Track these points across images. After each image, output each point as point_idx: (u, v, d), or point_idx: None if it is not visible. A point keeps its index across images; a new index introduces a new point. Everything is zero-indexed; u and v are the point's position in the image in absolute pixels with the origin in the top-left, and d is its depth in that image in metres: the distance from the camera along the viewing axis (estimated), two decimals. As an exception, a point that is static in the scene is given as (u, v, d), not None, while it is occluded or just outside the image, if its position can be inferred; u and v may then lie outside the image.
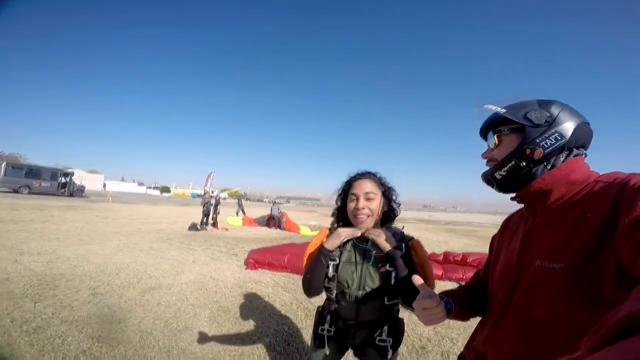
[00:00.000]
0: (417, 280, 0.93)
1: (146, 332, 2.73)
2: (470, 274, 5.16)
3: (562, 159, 0.78)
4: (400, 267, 1.20)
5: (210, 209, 11.98)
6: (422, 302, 0.86)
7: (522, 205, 0.90)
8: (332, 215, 1.47)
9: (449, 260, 6.05)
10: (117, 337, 2.61)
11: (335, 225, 1.43)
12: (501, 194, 0.89)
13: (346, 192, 1.38)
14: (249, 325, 3.07)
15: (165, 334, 2.73)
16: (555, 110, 0.78)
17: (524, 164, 0.78)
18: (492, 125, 0.89)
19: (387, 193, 1.38)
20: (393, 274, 1.23)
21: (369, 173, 1.39)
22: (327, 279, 1.34)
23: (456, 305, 0.94)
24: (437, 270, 5.33)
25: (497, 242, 1.00)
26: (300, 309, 3.53)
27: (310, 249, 1.38)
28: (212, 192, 14.04)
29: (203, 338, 2.71)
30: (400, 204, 1.43)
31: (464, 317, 1.00)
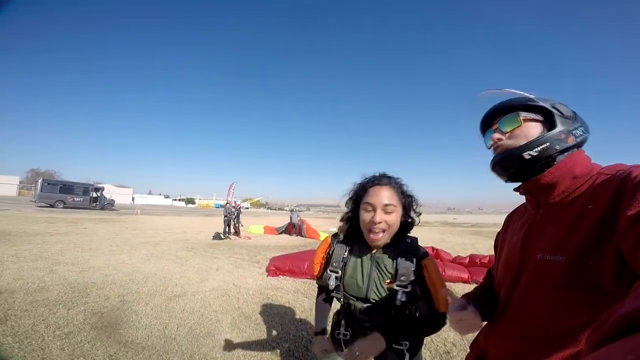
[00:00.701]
0: (447, 292, 0.93)
1: (170, 338, 2.80)
2: None
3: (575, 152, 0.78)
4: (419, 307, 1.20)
5: (231, 218, 12.25)
6: (458, 314, 0.84)
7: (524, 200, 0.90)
8: (342, 220, 1.35)
9: (475, 263, 5.89)
10: (143, 342, 2.69)
11: (342, 236, 1.34)
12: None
13: (359, 198, 1.26)
14: (269, 331, 3.09)
15: (188, 340, 2.79)
16: (562, 106, 0.80)
17: (558, 147, 0.75)
18: (520, 108, 0.82)
19: (407, 204, 1.25)
20: (399, 294, 1.15)
21: (388, 178, 1.24)
22: (329, 290, 1.32)
23: (481, 308, 0.90)
24: (463, 274, 5.22)
25: (501, 238, 0.99)
26: (319, 314, 3.52)
27: (317, 259, 1.37)
28: (234, 202, 14.38)
29: (224, 344, 2.75)
30: (420, 214, 1.31)
31: (487, 318, 0.95)
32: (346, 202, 1.34)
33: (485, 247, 10.31)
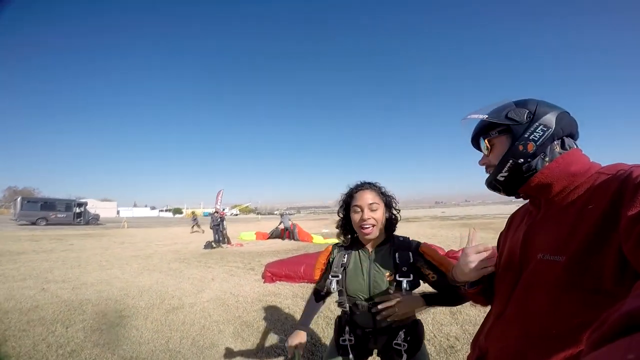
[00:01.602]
0: (473, 235, 0.98)
1: (175, 351, 2.81)
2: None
3: (557, 150, 0.79)
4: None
5: (218, 225, 12.06)
6: (477, 246, 0.90)
7: (526, 202, 0.92)
8: (337, 227, 1.49)
9: None
10: (148, 357, 2.69)
11: (342, 238, 1.47)
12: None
13: (348, 204, 1.41)
14: (273, 338, 3.12)
15: (193, 352, 2.80)
16: (532, 106, 0.82)
17: (522, 160, 0.79)
18: (481, 133, 0.91)
19: (388, 202, 1.42)
20: (404, 283, 1.25)
21: (369, 184, 1.43)
22: (329, 293, 1.43)
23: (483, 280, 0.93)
24: None
25: (503, 238, 1.00)
26: (321, 318, 3.56)
27: (318, 266, 1.47)
28: (222, 209, 14.23)
29: (230, 354, 2.77)
30: (400, 210, 1.47)
31: (485, 299, 0.98)
32: (338, 211, 1.47)
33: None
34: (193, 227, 20.07)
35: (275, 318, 3.66)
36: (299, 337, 1.38)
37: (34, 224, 23.36)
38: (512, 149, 0.81)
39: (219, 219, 12.13)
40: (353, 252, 1.41)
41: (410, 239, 1.41)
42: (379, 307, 1.25)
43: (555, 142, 0.79)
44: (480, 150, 0.95)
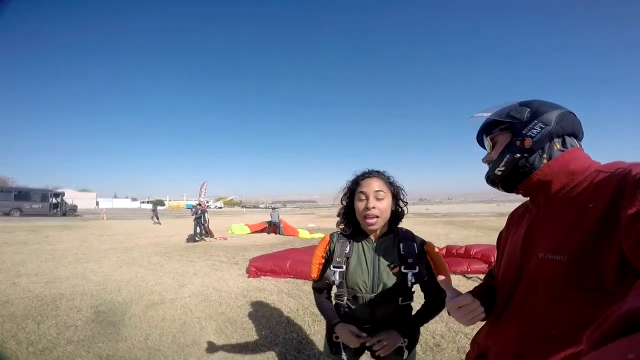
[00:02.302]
0: (442, 280, 0.92)
1: (154, 349, 2.69)
2: (475, 266, 5.23)
3: (556, 148, 0.79)
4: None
5: (200, 218, 11.70)
6: (456, 300, 0.83)
7: (526, 199, 0.92)
8: (338, 215, 1.40)
9: (452, 254, 6.09)
10: (125, 355, 2.57)
11: (342, 226, 1.39)
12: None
13: (353, 192, 1.34)
14: (258, 335, 3.04)
15: (173, 350, 2.69)
16: (534, 105, 0.84)
17: (518, 155, 0.81)
18: (484, 131, 0.95)
19: (396, 193, 1.35)
20: (409, 276, 1.22)
21: (377, 172, 1.35)
22: (330, 286, 1.37)
23: (482, 304, 0.90)
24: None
25: (503, 237, 1.00)
26: (307, 315, 3.50)
27: (316, 260, 1.38)
28: (206, 201, 13.90)
29: (212, 351, 2.67)
30: (407, 203, 1.40)
31: (487, 316, 0.96)
32: (341, 199, 1.39)
33: (459, 237, 10.69)
34: (152, 218, 19.98)
35: (260, 314, 3.57)
36: (349, 328, 1.24)
37: (7, 214, 22.36)
38: (510, 143, 0.83)
39: (199, 212, 11.78)
40: (355, 242, 1.33)
41: (414, 233, 1.38)
42: (370, 344, 1.20)
43: (555, 140, 0.79)
44: (485, 149, 0.98)
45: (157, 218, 19.80)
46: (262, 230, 13.71)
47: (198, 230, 11.35)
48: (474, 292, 1.00)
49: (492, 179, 0.89)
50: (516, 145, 0.81)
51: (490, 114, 0.91)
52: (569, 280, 0.65)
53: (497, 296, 0.89)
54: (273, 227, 13.58)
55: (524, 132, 0.81)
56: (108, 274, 5.45)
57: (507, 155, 0.83)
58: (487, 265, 5.17)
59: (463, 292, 0.88)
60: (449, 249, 6.42)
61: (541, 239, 0.75)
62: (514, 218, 0.98)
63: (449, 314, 0.92)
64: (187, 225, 15.62)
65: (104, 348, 2.66)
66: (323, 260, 1.38)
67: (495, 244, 1.07)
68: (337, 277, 1.28)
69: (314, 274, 1.39)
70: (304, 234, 12.75)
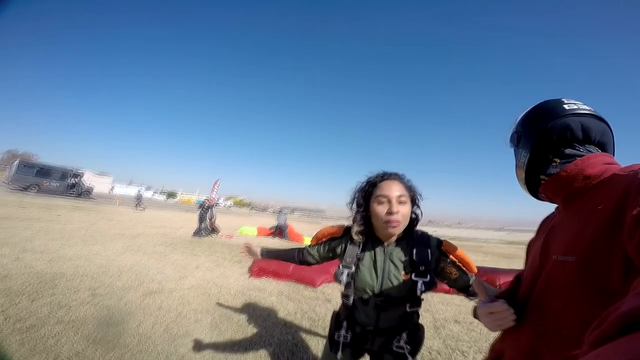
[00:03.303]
0: (476, 283, 0.95)
1: (144, 336, 2.60)
2: None
3: (557, 162, 0.80)
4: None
5: (204, 214, 11.59)
6: (489, 306, 0.82)
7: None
8: (354, 221, 1.31)
9: None
10: (114, 340, 2.49)
11: (357, 229, 1.29)
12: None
13: (369, 194, 1.27)
14: (252, 333, 2.92)
15: (164, 339, 2.59)
16: (519, 124, 0.89)
17: (521, 183, 0.91)
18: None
19: (414, 198, 1.30)
20: (419, 284, 1.17)
21: (397, 174, 1.29)
22: (343, 286, 1.32)
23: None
24: (444, 285, 5.11)
25: (533, 244, 0.97)
26: (305, 319, 3.38)
27: (321, 235, 1.44)
28: (217, 198, 13.92)
29: (204, 345, 2.57)
30: (420, 209, 1.35)
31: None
32: (353, 201, 1.34)
33: (478, 262, 10.42)
34: (136, 206, 20.39)
35: (257, 314, 3.45)
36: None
37: (25, 189, 22.76)
38: (515, 172, 0.93)
39: (206, 207, 11.67)
40: (367, 245, 1.29)
41: (430, 234, 1.31)
42: None
43: (552, 156, 0.82)
44: None
45: (140, 205, 20.20)
46: (268, 235, 13.66)
47: (203, 225, 11.27)
48: (505, 295, 0.98)
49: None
50: (518, 174, 0.91)
51: (510, 133, 0.95)
52: (577, 281, 0.65)
53: (517, 300, 0.87)
54: (278, 231, 13.50)
55: (517, 161, 0.90)
56: (112, 258, 5.45)
57: (518, 181, 0.92)
58: (492, 289, 5.03)
59: (491, 301, 0.85)
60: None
61: (557, 241, 0.76)
62: (543, 224, 0.95)
63: (475, 317, 0.92)
64: (195, 220, 15.79)
65: (94, 331, 2.58)
66: (325, 240, 1.42)
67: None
68: (344, 278, 1.25)
69: (312, 243, 1.46)
70: (309, 241, 12.58)
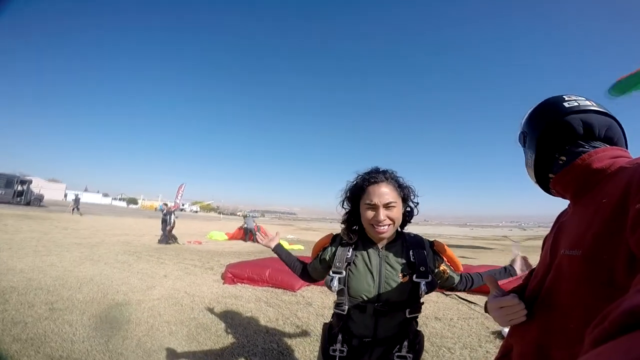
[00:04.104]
0: (488, 278, 0.91)
1: (115, 352, 2.39)
2: None
3: (562, 160, 0.81)
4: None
5: (166, 220, 10.84)
6: (500, 300, 0.80)
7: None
8: (343, 223, 1.28)
9: None
10: (81, 357, 2.26)
11: (347, 232, 1.26)
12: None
13: (357, 197, 1.23)
14: (234, 343, 2.77)
15: (138, 354, 2.40)
16: (524, 124, 0.91)
17: (534, 180, 0.91)
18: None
19: (406, 195, 1.25)
20: (422, 285, 1.12)
21: (384, 174, 1.22)
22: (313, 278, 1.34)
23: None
24: None
25: (546, 239, 0.95)
26: (288, 325, 3.27)
27: (316, 248, 1.38)
28: (182, 204, 13.34)
29: (182, 358, 2.40)
30: (418, 203, 1.31)
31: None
32: (342, 202, 1.30)
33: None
34: (73, 210, 20.12)
35: (237, 322, 3.30)
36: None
37: (-36, 199, 20.68)
38: (526, 171, 0.94)
39: (164, 213, 10.85)
40: (359, 247, 1.23)
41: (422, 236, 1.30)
42: None
43: (558, 154, 0.82)
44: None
45: (78, 210, 19.92)
46: (240, 239, 13.31)
47: (163, 233, 10.62)
48: (517, 291, 0.97)
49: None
50: (528, 172, 0.93)
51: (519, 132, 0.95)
52: (583, 275, 0.65)
53: (527, 294, 0.87)
54: (249, 235, 13.19)
55: (525, 160, 0.92)
56: (69, 270, 5.04)
57: (528, 173, 0.93)
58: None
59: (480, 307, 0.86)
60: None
61: (566, 236, 0.76)
62: (557, 220, 0.94)
63: (486, 311, 0.90)
64: (160, 226, 15.03)
65: (57, 348, 2.33)
66: (319, 253, 1.35)
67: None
68: (335, 284, 1.17)
69: (312, 257, 1.40)
70: (283, 244, 12.41)
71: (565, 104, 0.82)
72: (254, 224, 13.40)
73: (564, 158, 0.81)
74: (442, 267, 1.24)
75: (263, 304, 3.99)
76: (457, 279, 1.27)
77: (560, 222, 0.84)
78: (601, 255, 0.62)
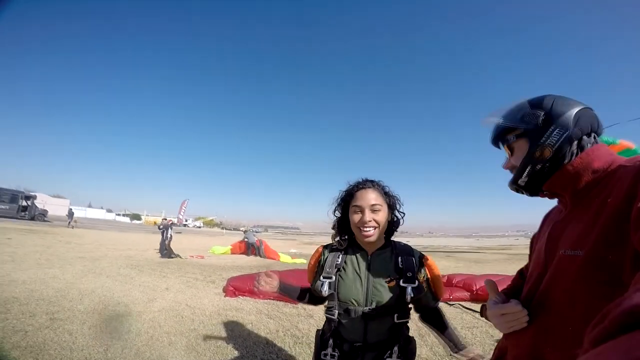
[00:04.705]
0: (489, 282, 0.90)
1: (114, 362, 2.37)
2: (457, 294, 5.25)
3: (575, 149, 0.76)
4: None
5: (164, 234, 10.84)
6: (502, 307, 0.79)
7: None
8: (333, 228, 1.33)
9: (450, 284, 5.98)
10: (80, 366, 2.25)
11: (337, 239, 1.31)
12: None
13: (347, 203, 1.28)
14: (233, 354, 2.75)
15: (136, 364, 2.38)
16: (547, 105, 0.79)
17: (539, 166, 0.78)
18: (499, 137, 0.90)
19: (392, 203, 1.29)
20: (408, 290, 1.14)
21: (372, 182, 1.29)
22: (321, 299, 1.29)
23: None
24: None
25: (536, 239, 0.96)
26: (288, 336, 3.24)
27: (310, 273, 1.35)
28: (184, 218, 13.37)
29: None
30: (404, 214, 1.34)
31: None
32: (334, 209, 1.34)
33: (441, 267, 10.54)
34: (69, 223, 21.36)
35: (237, 334, 3.27)
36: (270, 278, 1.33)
37: (-31, 213, 20.96)
38: (529, 154, 0.80)
39: (162, 227, 10.88)
40: (349, 253, 1.27)
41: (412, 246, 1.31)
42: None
43: (575, 142, 0.77)
44: (500, 148, 0.94)
45: (75, 222, 21.41)
46: (241, 253, 13.22)
47: (160, 246, 10.62)
48: (508, 293, 0.96)
49: (516, 189, 0.86)
50: (536, 156, 0.78)
51: (501, 118, 0.86)
52: (586, 275, 0.64)
53: (522, 297, 0.85)
54: (252, 249, 13.12)
55: (542, 140, 0.77)
56: (71, 282, 5.05)
57: (529, 167, 0.80)
58: (468, 293, 5.27)
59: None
60: (449, 278, 6.31)
61: (565, 236, 0.74)
62: (546, 220, 0.95)
63: (483, 316, 0.90)
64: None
65: (56, 356, 2.34)
66: (315, 270, 1.32)
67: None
68: (326, 288, 1.19)
69: (310, 280, 1.34)
70: (285, 258, 12.34)
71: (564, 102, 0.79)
72: (255, 239, 13.36)
73: (566, 156, 0.76)
74: (423, 281, 1.21)
75: (264, 316, 3.96)
76: (432, 302, 1.26)
77: (555, 222, 0.82)
78: (606, 255, 0.61)
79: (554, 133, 0.76)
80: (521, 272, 1.04)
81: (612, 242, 0.60)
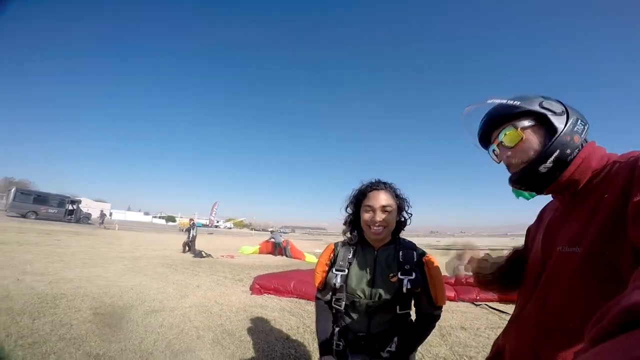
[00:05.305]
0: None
1: (146, 352, 2.59)
2: (483, 294, 5.10)
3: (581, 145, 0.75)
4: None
5: (188, 235, 11.69)
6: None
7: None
8: (344, 224, 1.40)
9: (460, 282, 5.85)
10: (115, 356, 2.48)
11: (348, 234, 1.39)
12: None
13: (359, 201, 1.34)
14: (254, 348, 2.90)
15: (166, 355, 2.58)
16: (558, 101, 0.78)
17: (569, 151, 0.73)
18: (506, 120, 0.80)
19: (402, 205, 1.36)
20: (405, 281, 1.20)
21: (384, 184, 1.35)
22: (335, 290, 1.33)
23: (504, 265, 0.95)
24: (450, 292, 5.21)
25: (532, 233, 0.98)
26: (308, 333, 3.35)
27: (320, 267, 1.37)
28: (217, 220, 13.93)
29: (206, 360, 2.54)
30: (412, 215, 1.40)
31: (505, 286, 0.97)
32: (347, 207, 1.40)
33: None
34: (100, 223, 23.18)
35: (260, 329, 3.43)
36: None
37: (23, 216, 22.86)
38: (560, 139, 0.73)
39: (185, 229, 11.67)
40: (358, 249, 1.35)
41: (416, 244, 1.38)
42: None
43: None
44: (485, 148, 0.90)
45: (104, 224, 22.71)
46: (268, 252, 13.56)
47: (194, 245, 11.28)
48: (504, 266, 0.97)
49: (521, 179, 0.79)
50: (567, 140, 0.73)
51: (517, 102, 0.78)
52: (584, 272, 0.64)
53: (519, 295, 0.88)
54: (279, 249, 13.44)
55: (570, 127, 0.74)
56: (112, 280, 5.43)
57: (558, 151, 0.73)
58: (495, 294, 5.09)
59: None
60: (458, 277, 6.17)
61: (562, 233, 0.75)
62: (545, 213, 0.95)
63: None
64: (196, 242, 15.63)
65: (95, 347, 2.58)
66: (327, 268, 1.36)
67: None
68: (338, 280, 1.27)
69: (317, 282, 1.37)
70: (310, 258, 12.50)
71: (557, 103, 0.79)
72: (282, 239, 13.64)
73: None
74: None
75: (286, 313, 4.10)
76: (425, 306, 1.26)
77: (550, 219, 0.83)
78: (604, 251, 0.62)
79: (579, 123, 0.75)
80: (516, 250, 1.03)
81: (610, 238, 0.61)
